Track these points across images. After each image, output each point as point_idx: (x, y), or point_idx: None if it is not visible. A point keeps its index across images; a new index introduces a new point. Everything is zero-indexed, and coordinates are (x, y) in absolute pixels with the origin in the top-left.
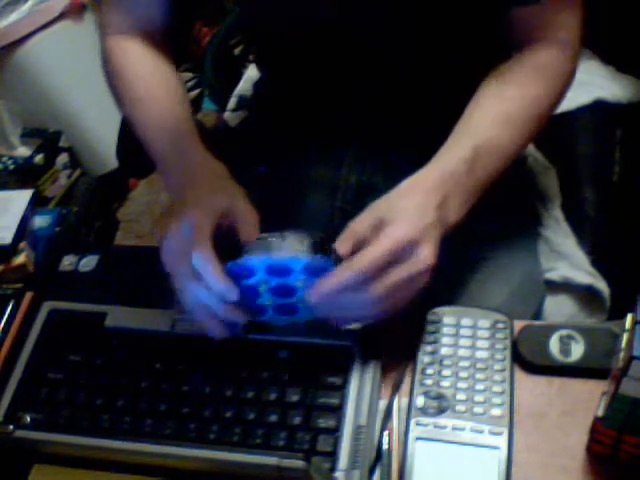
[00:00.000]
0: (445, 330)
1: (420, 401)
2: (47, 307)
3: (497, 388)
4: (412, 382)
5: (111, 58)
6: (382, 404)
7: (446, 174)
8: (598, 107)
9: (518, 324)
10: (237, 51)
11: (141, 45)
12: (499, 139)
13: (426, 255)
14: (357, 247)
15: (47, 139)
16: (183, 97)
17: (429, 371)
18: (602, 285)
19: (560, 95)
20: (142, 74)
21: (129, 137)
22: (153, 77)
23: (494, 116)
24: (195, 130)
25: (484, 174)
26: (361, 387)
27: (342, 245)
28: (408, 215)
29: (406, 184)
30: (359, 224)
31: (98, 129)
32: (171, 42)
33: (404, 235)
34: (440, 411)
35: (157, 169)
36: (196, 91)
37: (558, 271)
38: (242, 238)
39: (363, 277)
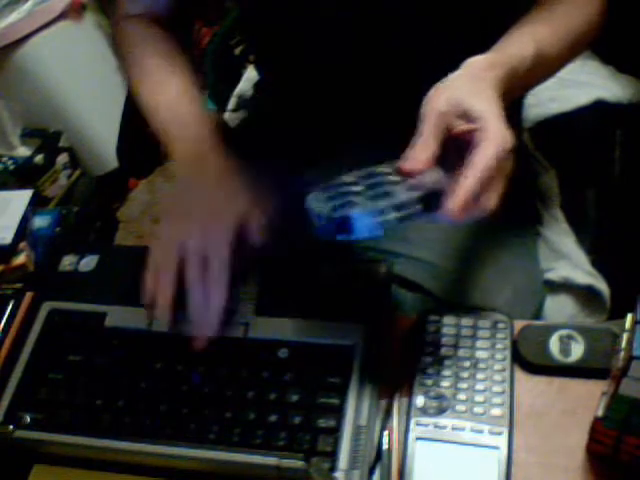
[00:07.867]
0: (445, 330)
1: (420, 401)
2: (47, 307)
3: (497, 388)
4: (412, 382)
5: (119, 43)
6: (382, 404)
7: (513, 64)
8: (598, 107)
9: (518, 324)
10: (237, 51)
11: (146, 26)
12: (552, 48)
13: (511, 160)
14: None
15: (47, 139)
16: (188, 77)
17: (429, 371)
18: (602, 285)
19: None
20: (146, 54)
21: (129, 137)
22: (157, 57)
23: (553, 29)
24: (205, 116)
25: (536, 77)
26: (361, 387)
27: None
28: (499, 116)
29: (480, 64)
30: (441, 109)
31: (98, 129)
32: (177, 29)
33: (508, 143)
34: (440, 411)
35: (162, 141)
36: None
37: (558, 271)
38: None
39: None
